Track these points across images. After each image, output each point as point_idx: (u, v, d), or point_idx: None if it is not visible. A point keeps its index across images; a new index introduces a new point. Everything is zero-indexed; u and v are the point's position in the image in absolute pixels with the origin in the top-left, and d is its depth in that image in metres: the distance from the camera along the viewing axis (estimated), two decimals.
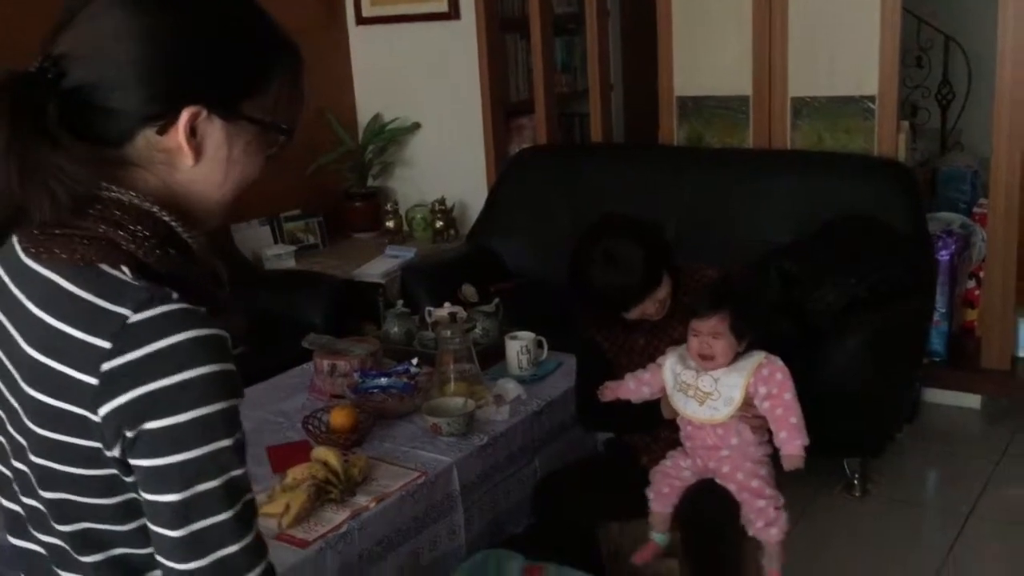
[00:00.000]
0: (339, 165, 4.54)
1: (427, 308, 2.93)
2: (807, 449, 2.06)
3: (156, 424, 0.86)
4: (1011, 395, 3.53)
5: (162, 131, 0.92)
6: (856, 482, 3.10)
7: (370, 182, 4.64)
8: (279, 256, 4.17)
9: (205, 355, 0.87)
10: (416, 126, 4.59)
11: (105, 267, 0.89)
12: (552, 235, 3.77)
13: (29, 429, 0.94)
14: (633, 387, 2.24)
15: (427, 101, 4.52)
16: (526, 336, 2.71)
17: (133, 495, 0.92)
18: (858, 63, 3.46)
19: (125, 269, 0.89)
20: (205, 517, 0.88)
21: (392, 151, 4.67)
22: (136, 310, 0.87)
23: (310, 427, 2.35)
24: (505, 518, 2.41)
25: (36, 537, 1.02)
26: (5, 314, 0.96)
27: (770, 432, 2.13)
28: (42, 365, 0.91)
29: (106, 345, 0.87)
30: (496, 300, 3.01)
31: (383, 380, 2.56)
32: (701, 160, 3.71)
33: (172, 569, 0.90)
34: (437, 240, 4.37)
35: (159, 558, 0.91)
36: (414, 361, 2.65)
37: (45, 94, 0.88)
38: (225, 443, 0.89)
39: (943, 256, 3.46)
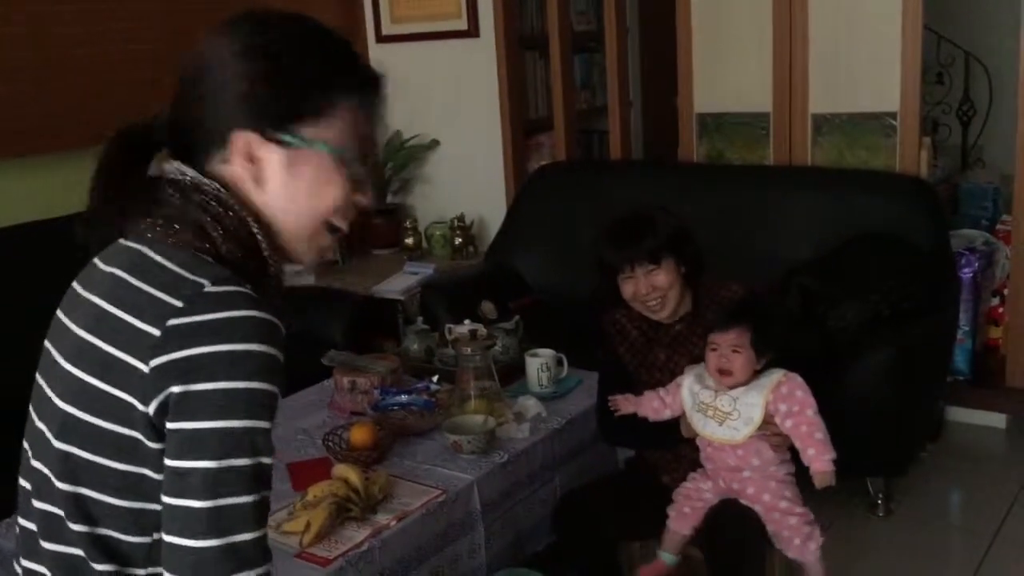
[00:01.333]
0: None
1: (447, 325, 2.92)
2: (836, 464, 2.03)
3: (206, 386, 0.88)
4: None
5: (224, 159, 0.98)
6: (880, 502, 3.06)
7: (389, 199, 4.66)
8: (299, 272, 4.18)
9: (265, 335, 0.91)
10: (435, 143, 4.60)
11: (192, 251, 0.96)
12: (571, 252, 3.76)
13: (67, 372, 0.97)
14: (657, 406, 2.22)
15: (446, 118, 4.54)
16: (546, 353, 2.70)
17: (144, 470, 0.93)
18: (879, 79, 3.45)
19: (207, 257, 0.96)
20: (232, 495, 0.88)
21: (411, 168, 4.68)
22: (214, 282, 0.92)
23: (330, 444, 2.35)
24: (526, 536, 2.39)
25: (34, 508, 1.02)
26: (81, 284, 1.03)
27: (792, 450, 2.12)
28: (103, 312, 0.95)
29: (178, 304, 0.91)
30: (516, 317, 3.00)
31: (403, 397, 2.56)
32: (721, 177, 3.70)
33: (181, 547, 0.88)
34: (456, 257, 4.37)
35: (169, 538, 0.89)
36: (434, 378, 2.65)
37: (153, 134, 1.01)
38: (264, 424, 0.91)
39: (966, 273, 3.43)
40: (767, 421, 2.08)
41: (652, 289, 2.24)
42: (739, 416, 2.08)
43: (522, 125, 4.45)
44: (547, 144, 4.52)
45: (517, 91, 4.39)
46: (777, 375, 2.10)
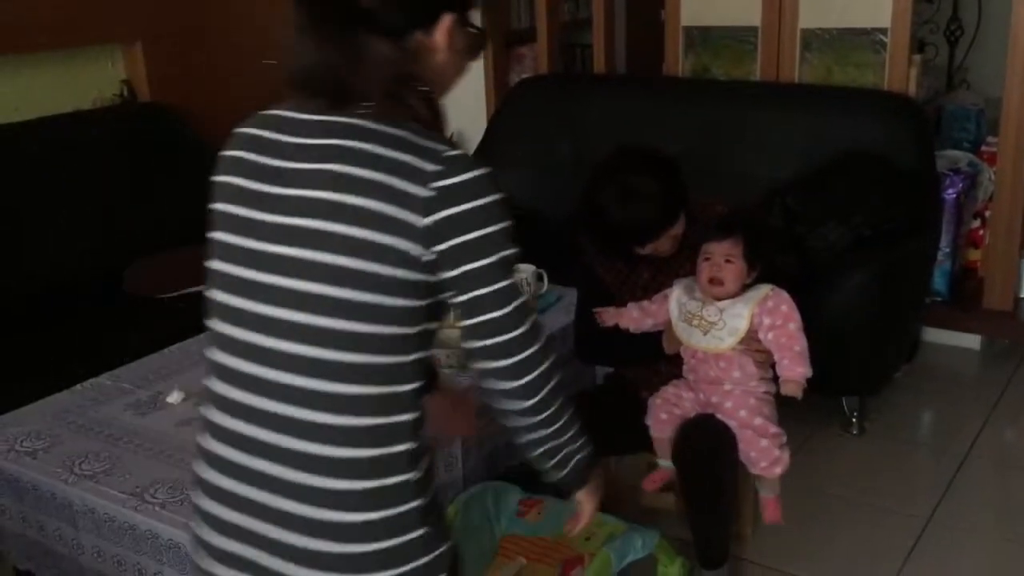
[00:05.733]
0: None
1: None
2: (809, 382, 2.03)
3: (481, 232, 1.14)
4: (1012, 336, 3.51)
5: (428, 33, 1.19)
6: (854, 420, 3.09)
7: None
8: None
9: (497, 186, 1.16)
10: None
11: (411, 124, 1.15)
12: (553, 167, 3.71)
13: (310, 232, 1.11)
14: (637, 315, 2.20)
15: None
16: (526, 268, 2.67)
17: (419, 302, 1.13)
18: None
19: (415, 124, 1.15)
20: (517, 297, 1.19)
21: None
22: (446, 148, 1.14)
23: None
24: (502, 451, 2.38)
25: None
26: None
27: (774, 369, 2.11)
28: (353, 176, 1.11)
29: (436, 168, 1.12)
30: None
31: None
32: (707, 92, 3.63)
33: (507, 338, 1.17)
34: None
35: (485, 342, 1.17)
36: None
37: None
38: (515, 251, 1.19)
39: (949, 195, 3.41)
40: (751, 336, 2.07)
41: (672, 240, 2.20)
42: (724, 326, 2.07)
43: (504, 36, 4.33)
44: (529, 56, 4.41)
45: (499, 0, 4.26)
46: (765, 289, 2.09)
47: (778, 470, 2.12)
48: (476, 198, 1.13)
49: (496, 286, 1.16)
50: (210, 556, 1.21)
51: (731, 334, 2.07)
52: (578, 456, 1.34)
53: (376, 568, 1.13)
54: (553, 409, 1.25)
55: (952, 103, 4.17)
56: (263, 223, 1.15)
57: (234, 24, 4.09)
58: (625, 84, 4.06)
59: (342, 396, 1.12)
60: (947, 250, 3.44)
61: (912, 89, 3.41)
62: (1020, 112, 3.27)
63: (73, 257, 3.23)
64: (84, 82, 3.68)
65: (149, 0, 3.76)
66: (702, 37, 3.73)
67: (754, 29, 3.60)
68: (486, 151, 3.96)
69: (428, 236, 1.11)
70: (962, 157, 3.60)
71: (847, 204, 2.99)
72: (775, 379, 2.13)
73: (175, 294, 3.12)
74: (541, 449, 1.29)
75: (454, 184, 1.11)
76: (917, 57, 3.47)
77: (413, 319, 1.15)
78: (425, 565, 1.15)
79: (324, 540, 1.12)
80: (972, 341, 3.61)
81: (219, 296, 1.20)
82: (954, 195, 3.39)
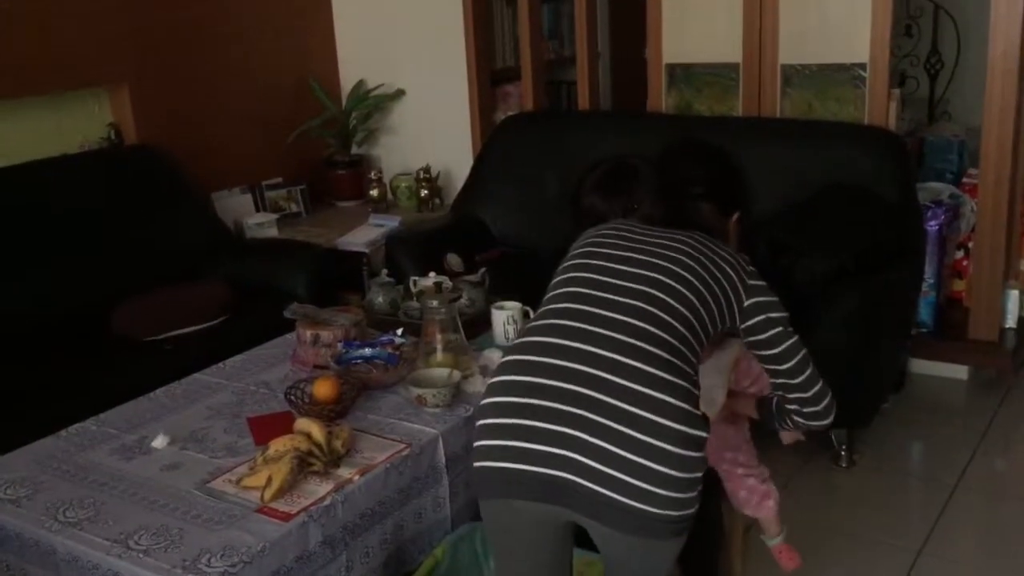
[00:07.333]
0: (322, 132, 4.47)
1: (412, 278, 2.88)
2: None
3: (775, 315, 1.81)
4: (998, 366, 3.53)
5: (727, 217, 2.03)
6: (843, 452, 3.09)
7: (354, 150, 4.58)
8: (261, 225, 4.11)
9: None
10: (400, 93, 4.52)
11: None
12: (538, 204, 3.72)
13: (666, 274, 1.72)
14: None
15: (412, 67, 4.45)
16: (513, 306, 2.67)
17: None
18: (849, 30, 3.42)
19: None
20: (792, 336, 1.85)
21: (376, 118, 4.60)
22: (746, 264, 1.82)
23: (292, 398, 2.31)
24: None
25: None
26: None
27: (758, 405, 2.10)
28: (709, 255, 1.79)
29: (746, 271, 1.80)
30: (482, 269, 2.97)
31: (367, 351, 2.52)
32: (690, 128, 3.64)
33: (788, 366, 1.86)
34: (422, 209, 4.32)
35: (777, 366, 1.86)
36: (399, 331, 2.61)
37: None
38: (786, 315, 1.84)
39: (932, 226, 3.43)
40: (738, 412, 2.05)
41: None
42: (701, 399, 2.04)
43: (489, 75, 4.38)
44: (514, 94, 4.45)
45: (484, 40, 4.30)
46: (734, 350, 2.04)
47: (770, 503, 2.10)
48: (767, 295, 1.81)
49: (787, 343, 1.84)
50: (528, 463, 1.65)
51: (709, 406, 2.02)
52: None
53: (684, 447, 1.60)
54: (820, 399, 1.95)
55: (934, 135, 4.22)
56: (628, 271, 1.73)
57: (221, 66, 4.12)
58: (609, 121, 4.09)
59: (662, 359, 1.65)
60: (932, 281, 3.46)
61: (892, 122, 3.45)
62: (999, 143, 3.31)
63: (60, 299, 3.22)
64: (71, 126, 3.69)
65: (135, 43, 3.78)
66: (684, 74, 3.78)
67: (735, 66, 3.65)
68: (472, 188, 3.98)
69: (745, 311, 1.78)
70: (944, 189, 3.64)
71: (831, 236, 3.01)
72: (748, 418, 2.12)
73: (162, 336, 3.11)
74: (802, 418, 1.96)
75: (755, 285, 1.80)
76: (896, 91, 3.52)
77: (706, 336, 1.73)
78: (702, 476, 1.65)
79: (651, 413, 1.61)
80: (959, 371, 3.62)
81: (581, 306, 1.69)
82: (937, 227, 3.42)
